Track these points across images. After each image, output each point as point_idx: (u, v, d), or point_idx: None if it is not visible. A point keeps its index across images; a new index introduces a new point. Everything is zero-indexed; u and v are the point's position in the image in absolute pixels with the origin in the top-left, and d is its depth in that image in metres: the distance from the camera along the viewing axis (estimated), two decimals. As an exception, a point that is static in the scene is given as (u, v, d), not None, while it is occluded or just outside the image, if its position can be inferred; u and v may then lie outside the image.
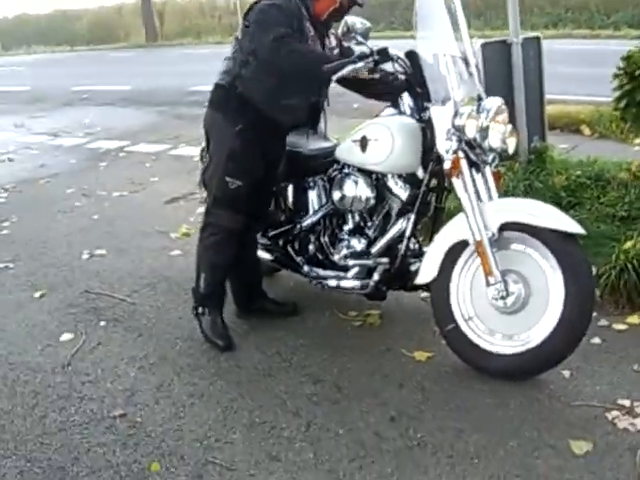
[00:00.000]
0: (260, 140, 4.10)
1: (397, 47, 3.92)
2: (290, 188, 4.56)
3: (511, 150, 3.86)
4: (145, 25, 33.00)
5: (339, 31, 4.11)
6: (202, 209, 6.28)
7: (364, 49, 3.82)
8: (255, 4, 4.05)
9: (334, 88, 4.18)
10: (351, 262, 4.16)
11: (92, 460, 3.28)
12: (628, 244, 4.39)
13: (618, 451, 3.07)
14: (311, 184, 4.47)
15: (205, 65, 19.38)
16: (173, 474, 3.15)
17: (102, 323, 4.66)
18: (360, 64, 3.66)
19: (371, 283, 4.10)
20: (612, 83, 5.27)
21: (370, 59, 3.71)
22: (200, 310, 4.34)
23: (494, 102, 3.72)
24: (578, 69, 12.48)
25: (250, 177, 4.12)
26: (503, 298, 3.56)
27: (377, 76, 3.87)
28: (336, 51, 4.15)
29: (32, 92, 17.19)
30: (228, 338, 4.24)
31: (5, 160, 10.02)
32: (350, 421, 3.43)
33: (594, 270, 4.02)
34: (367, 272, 4.14)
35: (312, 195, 4.48)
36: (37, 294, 5.20)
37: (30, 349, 4.39)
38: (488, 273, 3.57)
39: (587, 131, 8.44)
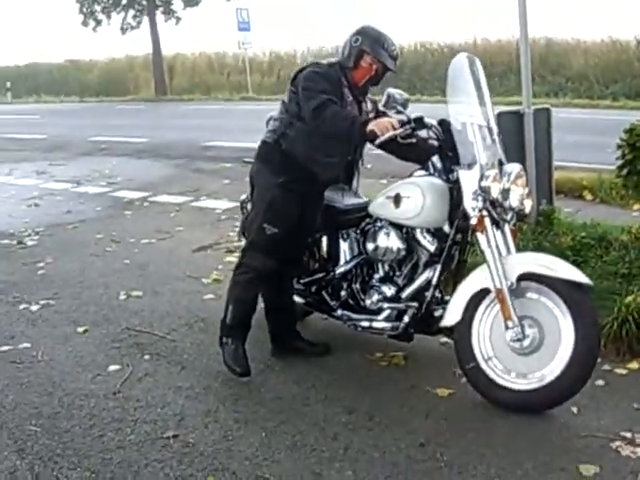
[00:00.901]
0: (299, 193, 4.59)
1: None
2: (324, 239, 5.02)
3: (527, 210, 4.37)
4: (155, 79, 33.55)
5: (382, 101, 4.61)
6: (230, 258, 6.78)
7: (403, 117, 4.32)
8: (300, 72, 4.56)
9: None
10: (385, 305, 4.61)
11: (152, 474, 3.67)
12: (629, 298, 4.82)
13: (622, 474, 3.50)
14: (344, 236, 4.93)
15: (216, 120, 20.20)
16: (228, 486, 3.56)
17: (146, 357, 5.07)
18: (400, 130, 4.17)
19: (401, 325, 4.55)
20: (615, 153, 5.72)
21: (408, 126, 4.22)
22: (224, 340, 4.75)
23: (515, 167, 4.22)
24: (579, 137, 12.94)
25: (286, 226, 4.59)
26: (520, 340, 4.02)
27: (414, 141, 4.39)
28: (372, 114, 4.63)
29: (50, 140, 17.72)
30: (246, 367, 4.62)
31: (32, 205, 10.43)
32: (384, 446, 3.84)
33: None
34: (397, 315, 4.59)
35: (345, 246, 4.93)
36: (80, 329, 5.59)
37: (81, 377, 4.78)
38: (507, 318, 4.02)
39: (589, 196, 8.90)
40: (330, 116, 4.28)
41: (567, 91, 23.94)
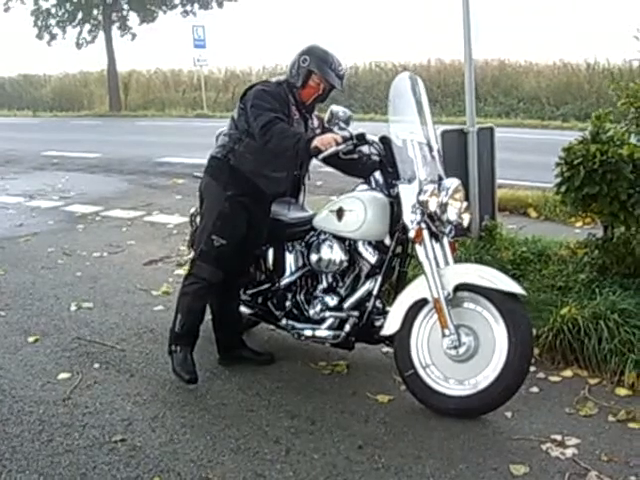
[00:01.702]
0: (247, 206, 4.75)
1: (358, 129, 4.62)
2: (270, 251, 5.15)
3: (465, 223, 4.55)
4: (110, 95, 33.46)
5: (325, 117, 4.78)
6: (180, 271, 6.90)
7: (345, 133, 4.49)
8: (249, 89, 4.72)
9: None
10: (327, 314, 4.76)
11: (99, 476, 3.79)
12: (564, 310, 5.00)
13: (550, 474, 3.69)
14: (290, 248, 5.07)
15: (170, 137, 20.28)
16: (173, 487, 3.69)
17: (96, 365, 5.17)
18: (342, 146, 4.34)
19: (343, 334, 4.71)
20: (554, 171, 5.91)
21: (350, 142, 4.39)
22: (173, 348, 4.88)
23: (453, 182, 4.40)
24: (528, 157, 13.23)
25: (234, 238, 4.74)
26: (456, 348, 4.20)
27: (355, 156, 4.57)
28: (318, 131, 4.80)
29: (2, 154, 17.55)
30: (194, 373, 4.75)
31: (-17, 219, 10.43)
32: (324, 448, 4.00)
33: (534, 331, 4.68)
34: (339, 324, 4.75)
35: (290, 258, 5.07)
36: (31, 339, 5.68)
37: (31, 385, 4.87)
38: (444, 326, 4.20)
39: (534, 214, 9.12)
40: (277, 133, 4.43)
41: (519, 112, 24.31)
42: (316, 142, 4.29)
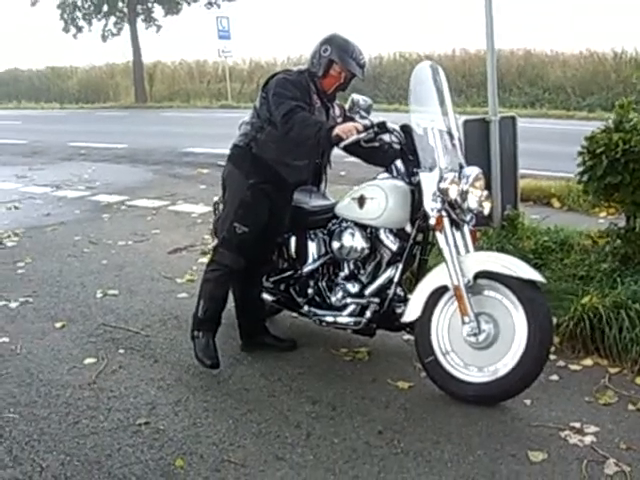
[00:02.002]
0: (269, 194, 4.80)
1: (380, 117, 4.66)
2: (292, 239, 5.20)
3: (486, 212, 4.57)
4: (135, 86, 33.60)
5: (346, 106, 4.83)
6: (204, 259, 6.97)
7: (366, 122, 4.53)
8: (271, 78, 4.76)
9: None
10: (348, 301, 4.82)
11: (124, 457, 3.87)
12: (585, 299, 5.01)
13: (568, 460, 3.71)
14: (312, 236, 5.12)
15: (195, 128, 20.38)
16: (195, 469, 3.75)
17: (121, 351, 5.26)
18: (363, 134, 4.38)
19: (364, 320, 4.76)
20: (576, 160, 5.91)
21: (371, 130, 4.43)
22: (196, 334, 4.95)
23: (473, 170, 4.43)
24: (552, 147, 13.20)
25: (256, 225, 4.80)
26: (475, 335, 4.23)
27: (377, 144, 4.62)
28: (340, 119, 4.84)
29: (30, 145, 17.82)
30: (216, 359, 4.81)
31: (12, 208, 10.55)
32: (344, 433, 4.05)
33: (555, 320, 4.71)
34: (360, 311, 4.80)
35: (312, 245, 5.12)
36: (58, 324, 5.78)
37: (58, 369, 4.97)
38: (464, 314, 4.23)
39: (557, 204, 9.09)
40: (299, 122, 4.48)
41: (544, 102, 24.12)
42: (337, 130, 4.34)
